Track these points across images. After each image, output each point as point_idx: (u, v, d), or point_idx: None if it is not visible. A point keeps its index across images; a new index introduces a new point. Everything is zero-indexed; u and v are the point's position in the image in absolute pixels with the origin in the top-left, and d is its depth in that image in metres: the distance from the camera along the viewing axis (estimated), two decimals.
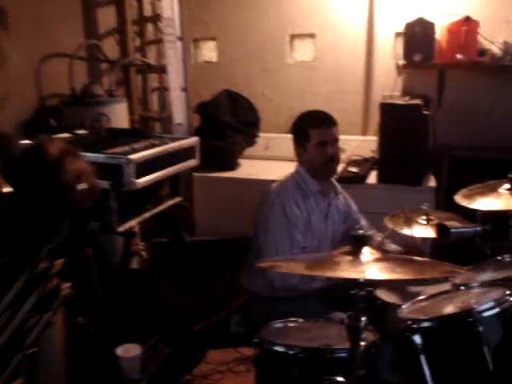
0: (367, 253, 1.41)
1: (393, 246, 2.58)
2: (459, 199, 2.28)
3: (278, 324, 1.96)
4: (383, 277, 1.35)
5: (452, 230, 2.15)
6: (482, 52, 3.39)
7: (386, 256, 1.45)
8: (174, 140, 2.42)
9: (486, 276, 1.96)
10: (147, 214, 2.32)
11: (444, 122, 3.46)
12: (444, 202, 3.31)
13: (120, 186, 2.02)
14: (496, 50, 3.41)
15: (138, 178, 2.08)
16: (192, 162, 2.52)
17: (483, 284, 1.84)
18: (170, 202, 2.49)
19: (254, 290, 2.47)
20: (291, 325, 1.97)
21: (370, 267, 1.37)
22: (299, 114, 2.56)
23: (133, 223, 2.22)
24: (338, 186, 2.59)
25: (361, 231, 1.43)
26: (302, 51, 3.87)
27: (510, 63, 3.38)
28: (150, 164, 2.16)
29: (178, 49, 3.30)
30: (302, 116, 2.53)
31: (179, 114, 3.39)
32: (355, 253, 1.41)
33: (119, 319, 2.37)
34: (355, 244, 1.40)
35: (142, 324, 2.49)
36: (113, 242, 2.53)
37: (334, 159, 2.44)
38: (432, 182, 3.20)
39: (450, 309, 1.71)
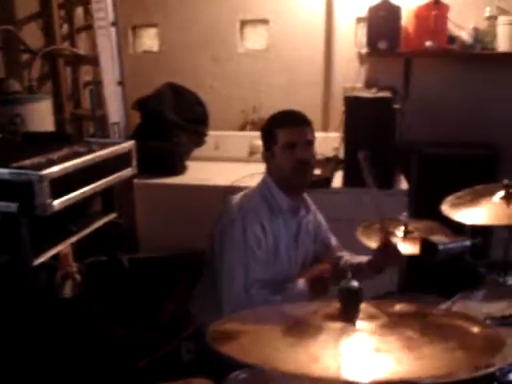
0: (365, 314, 1.01)
1: (359, 258, 2.23)
2: (446, 210, 1.95)
3: (243, 375, 1.59)
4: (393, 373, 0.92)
5: (440, 248, 1.83)
6: (452, 39, 3.10)
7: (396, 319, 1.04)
8: (104, 146, 1.98)
9: (492, 308, 1.62)
10: (73, 239, 1.88)
11: (411, 116, 3.15)
12: (415, 205, 3.01)
13: (31, 210, 1.58)
14: (466, 36, 3.13)
15: (55, 198, 1.64)
16: (127, 172, 2.09)
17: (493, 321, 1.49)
18: (102, 221, 2.06)
19: (206, 322, 2.08)
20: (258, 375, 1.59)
21: (372, 349, 0.96)
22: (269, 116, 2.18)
23: (53, 252, 1.78)
24: (310, 201, 2.20)
25: (355, 283, 1.03)
26: (254, 39, 3.49)
27: (480, 51, 3.11)
28: (72, 179, 1.71)
29: (111, 36, 2.85)
30: (271, 116, 2.12)
31: (115, 111, 2.95)
32: (348, 316, 1.02)
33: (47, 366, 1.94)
34: (348, 302, 1.01)
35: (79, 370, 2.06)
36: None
37: (306, 163, 2.01)
38: (404, 184, 2.87)
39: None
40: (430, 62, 3.19)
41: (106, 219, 2.10)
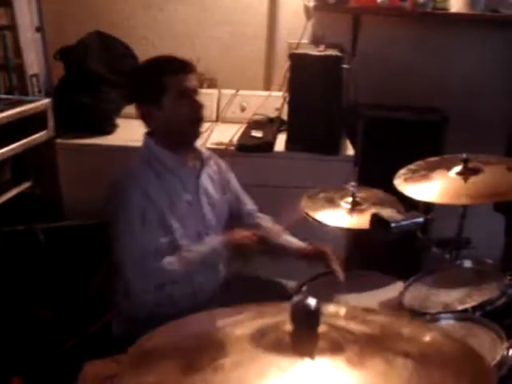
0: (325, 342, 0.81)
1: (292, 241, 2.08)
2: (401, 185, 1.80)
3: None
4: None
5: (392, 225, 1.68)
6: None
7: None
8: (14, 105, 1.69)
9: (449, 297, 1.50)
10: None
11: (357, 77, 2.97)
12: (361, 172, 2.87)
13: None
14: None
15: None
16: (42, 136, 1.82)
17: (455, 315, 1.36)
18: (13, 192, 1.79)
19: (129, 309, 1.88)
20: None
21: None
22: (143, 61, 1.95)
23: None
24: (206, 152, 2.00)
25: (312, 300, 0.83)
26: None
27: (432, 10, 2.95)
28: None
29: None
30: (149, 63, 1.90)
31: (34, 61, 2.60)
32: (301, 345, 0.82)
33: None
34: (303, 324, 0.80)
35: None
36: None
37: (201, 114, 1.84)
38: (350, 150, 2.72)
39: None
40: (379, 19, 2.99)
41: (17, 189, 1.82)
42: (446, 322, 1.33)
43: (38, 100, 1.85)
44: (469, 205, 1.79)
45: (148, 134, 1.86)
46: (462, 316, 1.34)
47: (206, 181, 1.95)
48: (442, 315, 1.36)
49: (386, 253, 2.01)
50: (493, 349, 1.15)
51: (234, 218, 2.08)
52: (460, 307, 1.40)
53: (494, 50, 3.12)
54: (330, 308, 1.04)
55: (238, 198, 2.12)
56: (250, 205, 2.15)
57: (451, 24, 3.03)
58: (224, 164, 2.10)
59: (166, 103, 1.78)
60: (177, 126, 1.80)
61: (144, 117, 1.84)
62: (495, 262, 1.66)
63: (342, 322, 0.87)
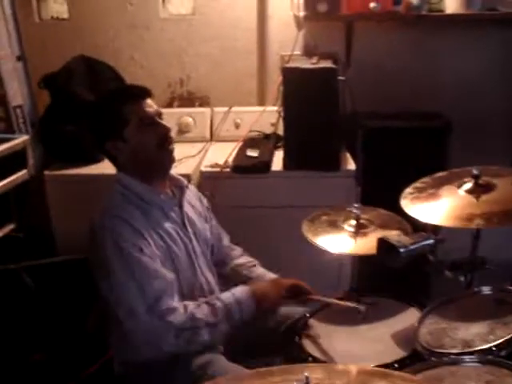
0: None
1: (266, 274, 1.96)
2: (407, 206, 1.68)
3: None
4: None
5: (401, 251, 1.57)
6: (397, 0, 2.81)
7: None
8: None
9: (471, 333, 1.37)
10: None
11: (354, 86, 2.85)
12: (363, 186, 2.75)
13: None
14: None
15: None
16: (22, 175, 1.71)
17: (478, 357, 1.24)
18: None
19: (126, 353, 1.76)
20: None
21: None
22: (92, 102, 1.89)
23: None
24: (183, 179, 1.88)
25: None
26: (178, 2, 3.05)
27: (427, 13, 2.83)
28: None
29: (4, 2, 2.38)
30: (103, 98, 1.83)
31: (17, 92, 2.50)
32: None
33: None
34: None
35: None
36: None
37: (169, 137, 1.73)
38: (351, 165, 2.60)
39: None
40: (373, 25, 2.89)
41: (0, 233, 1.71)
42: (470, 365, 1.21)
43: (16, 138, 1.73)
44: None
45: (119, 171, 1.75)
46: (487, 359, 1.22)
47: (188, 209, 1.84)
48: (465, 357, 1.24)
49: (395, 277, 1.89)
50: None
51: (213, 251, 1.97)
52: (482, 346, 1.27)
53: (493, 49, 3.00)
54: (338, 367, 0.93)
55: (217, 230, 2.02)
56: (225, 237, 2.06)
57: (447, 25, 2.92)
58: (193, 187, 2.00)
59: (130, 134, 1.68)
60: (145, 156, 1.70)
61: (110, 154, 1.73)
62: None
63: None
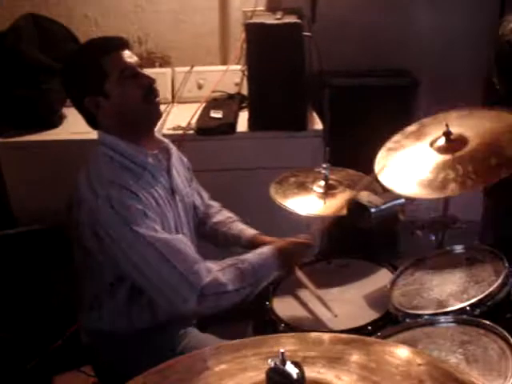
0: None
1: (245, 230, 1.88)
2: (381, 175, 1.62)
3: None
4: None
5: (373, 210, 1.53)
6: None
7: None
8: None
9: (445, 293, 1.35)
10: None
11: (319, 43, 2.77)
12: (331, 146, 2.70)
13: None
14: None
15: None
16: None
17: (454, 318, 1.21)
18: None
19: (96, 323, 1.69)
20: None
21: None
22: (70, 54, 1.70)
23: None
24: (167, 141, 1.77)
25: (292, 368, 0.65)
26: None
27: None
28: None
29: None
30: (79, 51, 1.70)
31: None
32: None
33: None
34: None
35: None
36: None
37: (154, 88, 1.60)
38: (318, 124, 2.53)
39: None
40: None
41: None
42: (445, 325, 1.19)
43: None
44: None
45: (102, 131, 1.62)
46: (461, 318, 1.19)
47: (175, 174, 1.74)
48: (440, 317, 1.21)
49: (364, 237, 1.86)
50: (504, 363, 1.01)
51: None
52: (456, 305, 1.25)
53: (462, 5, 2.94)
54: (311, 336, 0.89)
55: (198, 190, 1.93)
56: (205, 195, 1.97)
57: None
58: (181, 153, 1.89)
59: (111, 88, 1.55)
60: (130, 111, 1.57)
61: (90, 112, 1.59)
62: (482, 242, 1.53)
63: (329, 375, 0.71)
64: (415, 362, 0.77)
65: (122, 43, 1.60)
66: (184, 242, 1.55)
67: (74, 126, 2.56)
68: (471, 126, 1.61)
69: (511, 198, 2.30)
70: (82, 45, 1.69)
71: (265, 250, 1.63)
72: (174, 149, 1.79)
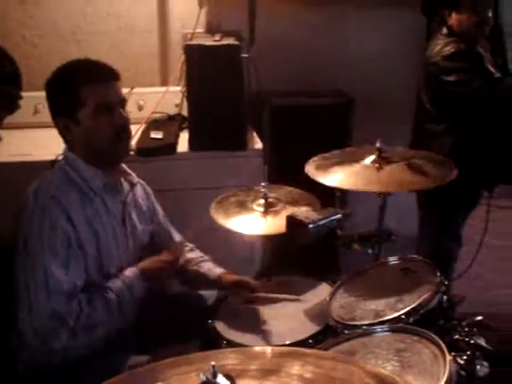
0: None
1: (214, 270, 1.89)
2: (311, 171, 1.68)
3: None
4: None
5: (310, 226, 1.57)
6: None
7: None
8: None
9: (381, 303, 1.39)
10: None
11: (258, 64, 2.83)
12: (270, 166, 2.74)
13: None
14: None
15: None
16: None
17: (389, 326, 1.25)
18: None
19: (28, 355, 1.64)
20: None
21: None
22: (57, 68, 1.65)
23: None
24: (134, 176, 1.78)
25: (224, 381, 0.66)
26: None
27: None
28: None
29: None
30: (66, 69, 1.63)
31: None
32: None
33: None
34: None
35: None
36: None
37: (126, 130, 1.61)
38: (258, 144, 2.57)
39: None
40: (276, 2, 2.87)
41: None
42: (381, 335, 1.23)
43: None
44: (382, 192, 1.71)
45: (69, 149, 1.62)
46: (397, 327, 1.24)
47: (131, 208, 1.73)
48: (376, 327, 1.25)
49: (304, 254, 1.90)
50: (436, 367, 1.05)
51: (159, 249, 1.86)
52: (392, 315, 1.30)
53: (394, 29, 3.09)
54: (251, 350, 0.90)
55: (167, 232, 1.93)
56: (177, 237, 1.97)
57: (348, 4, 2.95)
58: (151, 191, 1.89)
59: (83, 118, 1.54)
60: (97, 144, 1.57)
61: (61, 131, 1.59)
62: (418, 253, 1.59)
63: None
64: (351, 369, 0.80)
65: (110, 75, 1.58)
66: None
67: (11, 148, 2.51)
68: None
69: (442, 211, 2.42)
70: (70, 64, 1.62)
71: (128, 273, 1.63)
72: (140, 187, 1.80)
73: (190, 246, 1.98)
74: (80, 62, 1.63)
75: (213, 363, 0.68)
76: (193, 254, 1.95)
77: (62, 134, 1.60)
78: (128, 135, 1.64)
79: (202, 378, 0.67)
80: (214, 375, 0.67)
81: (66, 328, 1.46)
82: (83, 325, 1.49)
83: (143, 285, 1.63)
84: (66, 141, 1.62)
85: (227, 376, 0.68)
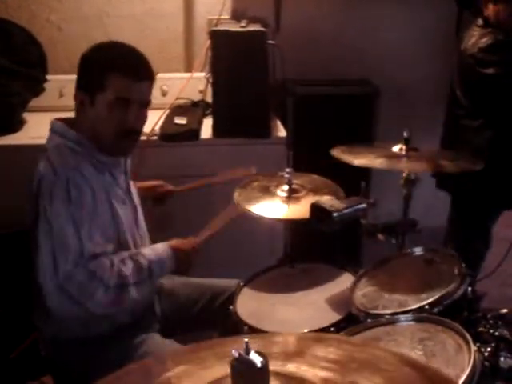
0: None
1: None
2: (338, 153, 1.67)
3: None
4: None
5: (335, 215, 1.56)
6: None
7: None
8: None
9: (405, 293, 1.38)
10: None
11: (283, 52, 2.81)
12: (294, 153, 2.73)
13: None
14: None
15: None
16: None
17: (413, 316, 1.24)
18: None
19: (53, 331, 1.66)
20: None
21: None
22: (97, 44, 1.62)
23: None
24: None
25: (257, 357, 0.66)
26: None
27: None
28: None
29: None
30: (101, 49, 1.60)
31: None
32: None
33: None
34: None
35: None
36: None
37: (135, 133, 1.60)
38: (281, 132, 2.56)
39: None
40: None
41: None
42: (405, 324, 1.22)
43: None
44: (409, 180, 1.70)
45: (68, 125, 1.59)
46: (421, 317, 1.22)
47: (129, 175, 1.73)
48: (400, 316, 1.24)
49: (328, 242, 1.89)
50: (461, 357, 1.04)
51: None
52: (416, 305, 1.28)
53: (425, 18, 3.03)
54: (277, 338, 0.89)
55: None
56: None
57: None
58: None
59: (99, 102, 1.52)
60: (102, 133, 1.55)
61: (77, 104, 1.58)
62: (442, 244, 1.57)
63: (292, 367, 0.73)
64: (372, 351, 0.79)
65: (144, 75, 1.56)
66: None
67: (35, 131, 2.53)
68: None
69: (474, 211, 2.37)
70: (114, 46, 1.61)
71: (159, 246, 1.63)
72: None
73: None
74: (124, 48, 1.60)
75: (246, 339, 0.68)
76: None
77: (77, 107, 1.59)
78: (137, 136, 1.61)
79: (235, 354, 0.67)
80: (247, 352, 0.67)
81: (100, 283, 1.45)
82: (116, 281, 1.48)
83: (172, 263, 1.61)
84: (77, 116, 1.60)
85: (259, 353, 0.68)
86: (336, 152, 1.74)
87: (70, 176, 1.48)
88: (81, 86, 1.57)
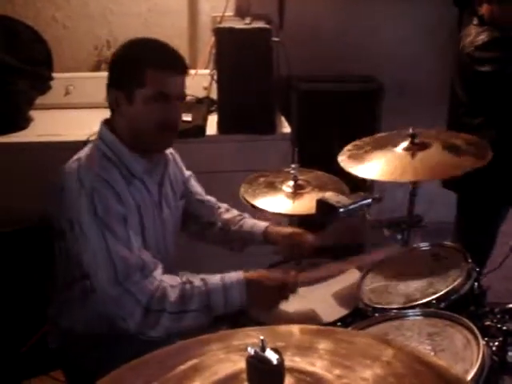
0: None
1: (257, 224, 1.83)
2: (345, 162, 1.68)
3: None
4: None
5: (341, 210, 1.57)
6: None
7: None
8: None
9: (411, 288, 1.39)
10: None
11: (287, 48, 2.81)
12: (298, 149, 2.74)
13: None
14: None
15: None
16: None
17: (421, 311, 1.25)
18: None
19: (70, 323, 1.68)
20: None
21: None
22: (130, 40, 1.57)
23: None
24: (169, 153, 1.74)
25: (273, 354, 0.65)
26: None
27: None
28: None
29: None
30: (136, 45, 1.55)
31: None
32: None
33: None
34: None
35: None
36: None
37: (175, 127, 1.57)
38: (286, 128, 2.57)
39: None
40: None
41: None
42: (413, 319, 1.23)
43: None
44: (415, 181, 1.71)
45: (108, 126, 1.56)
46: (428, 311, 1.24)
47: (167, 187, 1.70)
48: (408, 311, 1.25)
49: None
50: (469, 351, 1.05)
51: (195, 217, 1.86)
52: (423, 299, 1.30)
53: (429, 16, 3.03)
54: (279, 328, 0.90)
55: (198, 198, 1.89)
56: (208, 196, 1.93)
57: None
58: (178, 158, 1.84)
59: (138, 99, 1.49)
60: (141, 130, 1.52)
61: (111, 104, 1.54)
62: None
63: (303, 362, 0.74)
64: (382, 346, 0.80)
65: (181, 69, 1.53)
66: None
67: (41, 129, 2.55)
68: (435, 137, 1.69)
69: (480, 209, 2.37)
70: (147, 41, 1.57)
71: (233, 275, 1.50)
72: (172, 161, 1.76)
73: (225, 206, 1.90)
74: (158, 43, 1.56)
75: (262, 337, 0.69)
76: (229, 214, 1.87)
77: (111, 107, 1.55)
78: (176, 130, 1.59)
79: (251, 351, 0.68)
80: (263, 349, 0.68)
81: (139, 307, 1.42)
82: (156, 307, 1.43)
83: (242, 296, 1.46)
84: (113, 117, 1.56)
85: (274, 350, 0.68)
86: (342, 159, 1.73)
87: (95, 188, 1.45)
88: (115, 84, 1.53)
